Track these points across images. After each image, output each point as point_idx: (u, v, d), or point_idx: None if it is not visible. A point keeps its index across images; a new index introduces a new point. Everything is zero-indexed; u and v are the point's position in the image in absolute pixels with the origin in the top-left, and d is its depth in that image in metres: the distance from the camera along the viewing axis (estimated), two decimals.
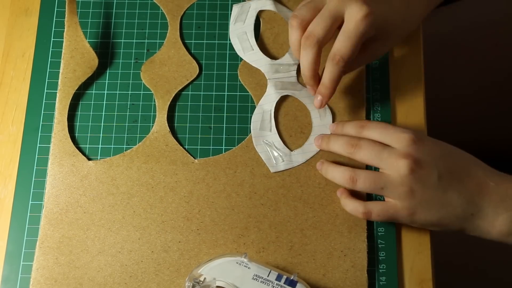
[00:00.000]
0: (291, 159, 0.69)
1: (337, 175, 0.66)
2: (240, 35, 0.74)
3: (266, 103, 0.71)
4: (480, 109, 0.83)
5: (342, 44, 0.63)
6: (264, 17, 0.75)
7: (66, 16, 0.73)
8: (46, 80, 0.73)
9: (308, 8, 0.65)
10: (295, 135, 0.71)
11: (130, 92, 0.73)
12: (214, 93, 0.73)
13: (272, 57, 0.73)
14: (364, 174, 0.64)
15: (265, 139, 0.70)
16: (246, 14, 0.75)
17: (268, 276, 0.62)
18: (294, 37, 0.65)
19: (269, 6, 0.74)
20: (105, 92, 0.73)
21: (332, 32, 0.64)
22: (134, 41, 0.75)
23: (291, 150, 0.70)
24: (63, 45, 0.73)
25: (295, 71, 0.73)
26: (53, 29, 0.75)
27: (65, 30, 0.73)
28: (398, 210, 0.63)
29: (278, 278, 0.62)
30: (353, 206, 0.65)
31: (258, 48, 0.73)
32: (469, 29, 0.96)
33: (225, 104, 0.72)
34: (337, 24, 0.64)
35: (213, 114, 0.72)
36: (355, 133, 0.67)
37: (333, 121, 0.71)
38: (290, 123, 0.71)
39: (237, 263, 0.63)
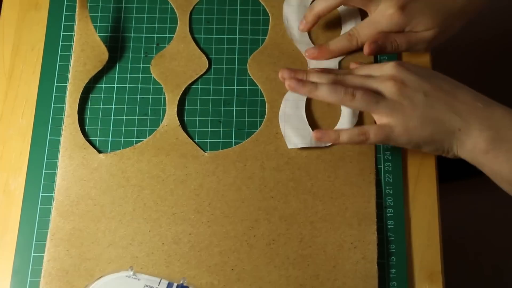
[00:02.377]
0: (311, 140, 0.70)
1: (332, 94, 0.66)
2: (297, 13, 0.76)
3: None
4: None
5: (366, 31, 0.71)
6: (273, 13, 0.76)
7: (77, 9, 0.74)
8: (56, 74, 0.74)
9: None
10: (321, 121, 0.72)
11: (139, 85, 0.74)
12: (223, 87, 0.74)
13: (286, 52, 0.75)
14: (358, 91, 0.65)
15: (290, 117, 0.71)
16: None
17: (159, 285, 0.64)
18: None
19: None
20: (115, 85, 0.74)
21: None
22: (144, 35, 0.76)
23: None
24: (74, 38, 0.74)
25: (338, 63, 0.74)
26: (62, 23, 0.76)
27: (76, 23, 0.74)
28: (393, 128, 0.64)
29: (169, 285, 0.65)
30: (349, 133, 0.66)
31: (306, 32, 0.75)
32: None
33: (235, 98, 0.73)
34: None
35: (223, 108, 0.73)
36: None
37: (358, 122, 0.72)
38: (320, 110, 0.73)
39: (126, 276, 0.65)
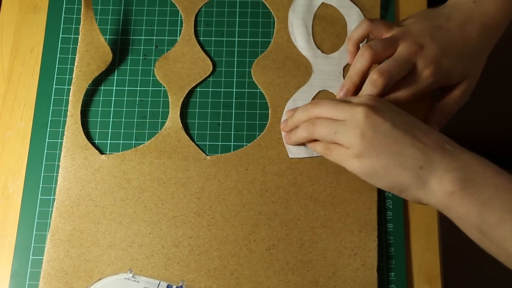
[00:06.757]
0: (311, 151, 0.75)
1: (299, 133, 0.73)
2: (303, 19, 0.82)
3: (305, 93, 0.79)
4: (473, 105, 0.89)
5: (404, 93, 0.73)
6: (279, 17, 0.82)
7: (82, 10, 0.80)
8: (55, 76, 0.80)
9: (383, 46, 0.73)
10: None
11: (138, 88, 0.80)
12: (223, 89, 0.80)
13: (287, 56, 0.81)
14: (320, 121, 0.70)
15: None
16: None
17: (158, 287, 0.69)
18: (363, 65, 0.72)
19: None
20: (114, 88, 0.80)
21: (400, 77, 0.72)
22: (143, 37, 0.82)
23: None
24: (79, 38, 0.80)
25: (342, 69, 0.80)
26: (61, 25, 0.82)
27: (81, 24, 0.80)
28: (347, 153, 0.67)
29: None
30: (318, 144, 0.72)
31: (312, 38, 0.81)
32: None
33: (234, 100, 0.79)
34: (407, 71, 0.72)
35: (222, 110, 0.79)
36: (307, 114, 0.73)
37: None
38: None
39: (125, 279, 0.70)
